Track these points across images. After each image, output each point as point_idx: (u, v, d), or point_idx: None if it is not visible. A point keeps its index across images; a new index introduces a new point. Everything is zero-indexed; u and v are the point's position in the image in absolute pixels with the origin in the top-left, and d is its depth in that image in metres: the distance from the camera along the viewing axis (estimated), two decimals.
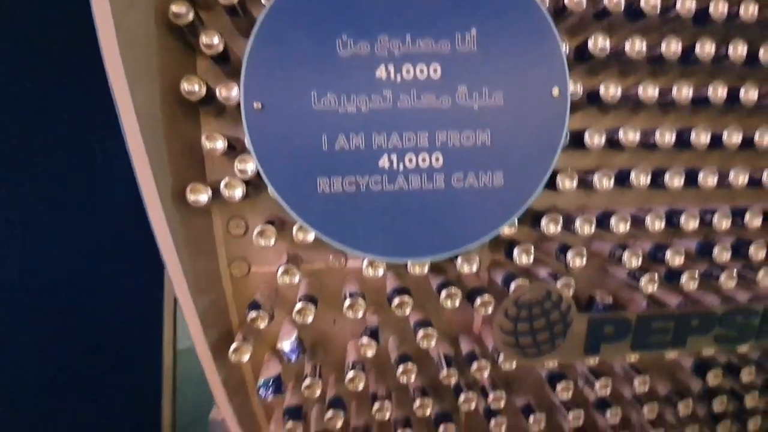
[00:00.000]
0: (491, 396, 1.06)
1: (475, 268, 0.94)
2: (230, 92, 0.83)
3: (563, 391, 1.08)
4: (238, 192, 0.87)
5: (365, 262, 0.93)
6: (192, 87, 0.83)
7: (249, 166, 0.86)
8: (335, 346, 1.13)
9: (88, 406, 2.11)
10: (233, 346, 0.95)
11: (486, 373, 1.02)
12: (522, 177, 0.91)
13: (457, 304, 0.95)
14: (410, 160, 0.89)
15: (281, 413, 1.16)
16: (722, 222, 1.00)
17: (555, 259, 1.04)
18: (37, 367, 1.84)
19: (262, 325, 0.95)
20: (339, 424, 1.03)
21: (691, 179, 0.98)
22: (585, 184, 0.97)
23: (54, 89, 1.74)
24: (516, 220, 0.95)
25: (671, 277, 1.06)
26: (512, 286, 0.98)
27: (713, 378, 1.15)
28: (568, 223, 0.97)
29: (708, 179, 0.97)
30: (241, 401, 1.11)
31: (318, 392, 1.00)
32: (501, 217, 0.92)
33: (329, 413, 1.03)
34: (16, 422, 1.74)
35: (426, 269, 0.94)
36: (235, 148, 0.91)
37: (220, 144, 0.85)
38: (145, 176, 0.81)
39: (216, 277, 1.04)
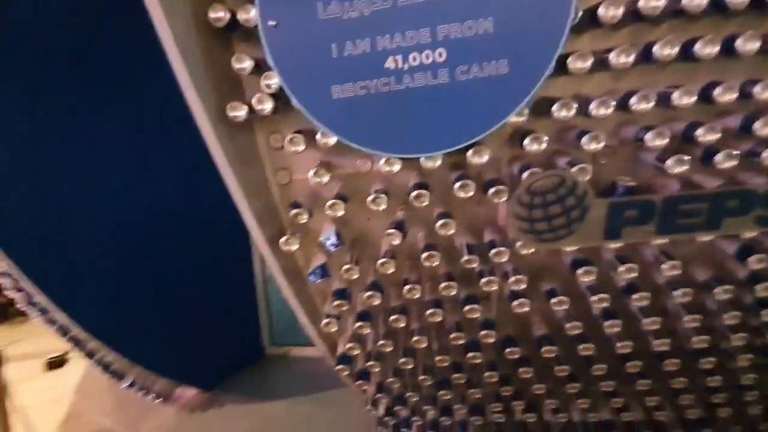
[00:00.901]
0: (512, 279, 1.16)
1: (485, 159, 1.00)
2: (249, 14, 0.94)
3: (585, 275, 1.13)
4: (269, 105, 1.01)
5: (382, 160, 1.04)
6: (218, 14, 0.96)
7: (273, 81, 0.99)
8: (371, 241, 1.30)
9: (196, 316, 2.59)
10: (284, 237, 1.15)
11: (504, 258, 1.11)
12: (527, 63, 0.91)
13: (470, 193, 1.03)
14: (414, 59, 0.94)
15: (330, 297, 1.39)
16: (766, 93, 0.90)
17: (574, 147, 1.04)
18: (151, 285, 2.28)
19: (303, 220, 1.13)
20: (377, 302, 1.21)
21: (728, 49, 0.89)
22: (603, 64, 0.94)
23: None
24: (527, 109, 0.97)
25: (707, 158, 1.01)
26: (524, 174, 1.02)
27: (756, 263, 1.10)
28: (586, 109, 0.96)
29: (748, 45, 0.87)
30: (299, 287, 1.35)
31: (355, 276, 1.18)
32: (507, 106, 0.95)
33: (368, 293, 1.22)
34: (132, 330, 2.21)
35: (438, 163, 1.02)
36: (261, 68, 1.04)
37: (248, 63, 0.99)
38: (193, 99, 0.99)
39: (264, 184, 1.23)
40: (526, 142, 0.99)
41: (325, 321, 1.29)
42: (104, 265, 2.11)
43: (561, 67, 0.93)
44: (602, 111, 0.95)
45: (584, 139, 0.98)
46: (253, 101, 1.01)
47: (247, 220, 1.16)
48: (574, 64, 0.92)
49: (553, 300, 1.20)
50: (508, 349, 1.32)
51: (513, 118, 0.97)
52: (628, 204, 1.04)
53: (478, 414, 1.59)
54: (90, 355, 2.19)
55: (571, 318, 1.26)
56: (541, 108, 1.00)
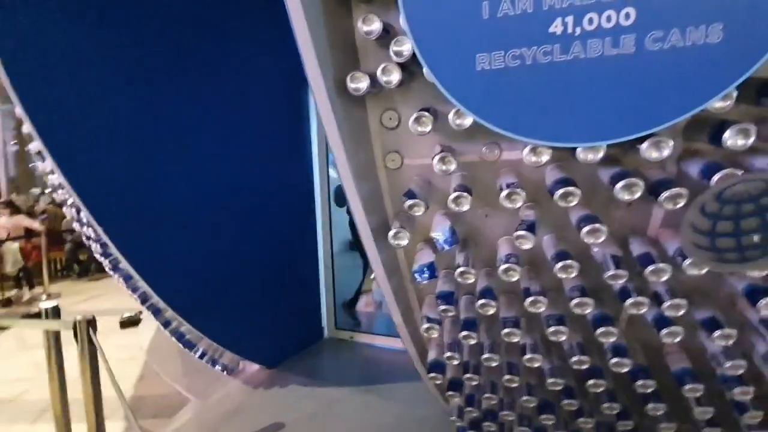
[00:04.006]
0: (668, 303, 0.95)
1: (666, 153, 0.79)
2: None
3: (766, 308, 0.90)
4: (395, 77, 0.86)
5: (527, 149, 0.85)
6: None
7: (405, 47, 0.83)
8: (486, 241, 1.13)
9: (263, 295, 2.62)
10: (393, 231, 1.01)
11: (665, 277, 0.90)
12: (749, 30, 0.68)
13: (636, 195, 0.82)
14: (590, 21, 0.74)
15: (432, 299, 1.24)
16: None
17: None
18: (225, 263, 2.32)
19: (419, 212, 0.98)
20: (491, 311, 1.05)
21: None
22: None
23: None
24: (735, 91, 0.74)
25: None
26: (716, 177, 0.80)
27: None
28: None
29: None
30: (397, 283, 1.21)
31: (471, 279, 1.02)
32: (713, 86, 0.72)
33: (481, 301, 1.05)
34: (204, 303, 2.25)
35: (600, 155, 0.82)
36: (388, 33, 0.88)
37: (377, 26, 0.83)
38: (313, 69, 0.86)
39: (372, 168, 1.09)
40: (728, 134, 0.76)
41: (426, 325, 1.15)
42: (185, 241, 2.14)
43: None
44: None
45: None
46: (378, 72, 0.86)
47: (354, 207, 1.03)
48: None
49: (717, 334, 0.97)
50: (639, 381, 1.11)
51: (716, 103, 0.74)
52: None
53: None
54: (166, 324, 2.24)
55: (730, 356, 1.02)
56: (746, 91, 0.77)
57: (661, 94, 0.74)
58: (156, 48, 1.93)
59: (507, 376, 1.20)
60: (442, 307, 1.10)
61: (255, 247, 2.56)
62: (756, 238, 0.82)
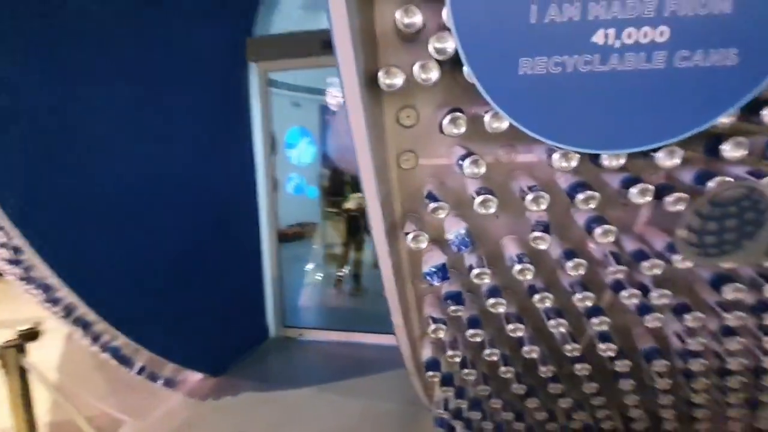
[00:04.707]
0: (655, 293, 1.06)
1: (677, 160, 0.87)
2: None
3: (732, 292, 1.05)
4: (434, 75, 0.82)
5: (557, 154, 0.88)
6: None
7: (448, 45, 0.79)
8: (489, 241, 1.15)
9: (203, 296, 2.40)
10: (412, 234, 0.98)
11: (658, 271, 1.00)
12: (761, 55, 0.78)
13: (647, 199, 0.90)
14: (629, 35, 0.77)
15: (433, 299, 1.24)
16: None
17: (761, 155, 0.93)
18: (160, 266, 2.08)
19: (442, 215, 0.96)
20: (502, 309, 1.08)
21: None
22: None
23: None
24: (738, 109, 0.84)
25: None
26: (709, 184, 0.90)
27: None
28: None
29: None
30: (401, 284, 1.19)
31: (487, 280, 1.04)
32: (724, 103, 0.81)
33: (491, 300, 1.08)
34: (141, 312, 2.01)
35: (621, 162, 0.88)
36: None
37: (418, 18, 0.78)
38: (347, 61, 0.78)
39: (385, 167, 1.04)
40: (727, 146, 0.87)
41: (433, 326, 1.15)
42: (115, 243, 1.86)
43: None
44: None
45: None
46: (415, 68, 0.81)
47: (372, 207, 0.98)
48: None
49: (688, 316, 1.11)
50: (617, 362, 1.24)
51: (722, 119, 0.83)
52: None
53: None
54: (96, 338, 1.93)
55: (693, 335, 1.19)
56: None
57: (683, 107, 0.81)
58: (65, 24, 1.61)
59: (503, 368, 1.26)
60: (453, 307, 1.10)
61: (192, 245, 2.33)
62: (732, 235, 0.95)
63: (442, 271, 1.07)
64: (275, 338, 3.06)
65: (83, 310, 1.78)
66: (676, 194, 0.91)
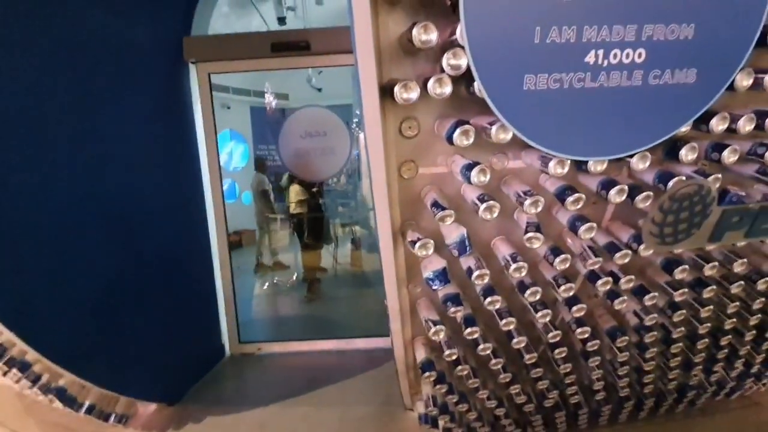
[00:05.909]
0: (623, 279, 1.21)
1: (647, 164, 1.00)
2: None
3: (680, 273, 1.23)
4: (448, 89, 0.85)
5: (553, 161, 0.96)
6: None
7: (462, 61, 0.83)
8: (480, 242, 1.21)
9: (150, 319, 2.18)
10: (420, 242, 1.01)
11: (627, 260, 1.14)
12: (713, 74, 0.93)
13: (624, 197, 1.02)
14: (615, 56, 0.88)
15: (426, 302, 1.28)
16: None
17: (704, 157, 1.10)
18: (100, 290, 1.86)
19: (449, 222, 1.00)
20: (497, 306, 1.15)
21: None
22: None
23: None
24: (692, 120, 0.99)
25: None
26: (670, 183, 1.05)
27: None
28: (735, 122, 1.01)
29: None
30: (401, 293, 1.21)
31: (487, 280, 1.10)
32: (684, 116, 0.96)
33: (488, 299, 1.14)
34: (85, 344, 1.80)
35: (604, 167, 0.99)
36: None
37: (434, 35, 0.81)
38: (369, 71, 0.79)
39: (389, 176, 1.05)
40: (684, 152, 1.02)
41: (434, 329, 1.19)
42: (51, 270, 1.64)
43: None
44: (747, 127, 1.02)
45: (725, 153, 1.04)
46: (430, 83, 0.84)
47: (381, 216, 0.99)
48: (741, 82, 0.96)
49: (647, 297, 1.28)
50: (590, 343, 1.38)
51: (681, 129, 0.98)
52: (735, 211, 1.15)
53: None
54: (35, 381, 1.67)
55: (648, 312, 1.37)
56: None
57: (654, 119, 0.94)
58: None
59: (493, 360, 1.34)
60: (453, 309, 1.15)
61: (133, 266, 2.12)
62: (685, 225, 1.12)
63: (443, 276, 1.12)
64: (232, 356, 2.89)
65: (19, 348, 1.53)
66: (645, 193, 1.04)
